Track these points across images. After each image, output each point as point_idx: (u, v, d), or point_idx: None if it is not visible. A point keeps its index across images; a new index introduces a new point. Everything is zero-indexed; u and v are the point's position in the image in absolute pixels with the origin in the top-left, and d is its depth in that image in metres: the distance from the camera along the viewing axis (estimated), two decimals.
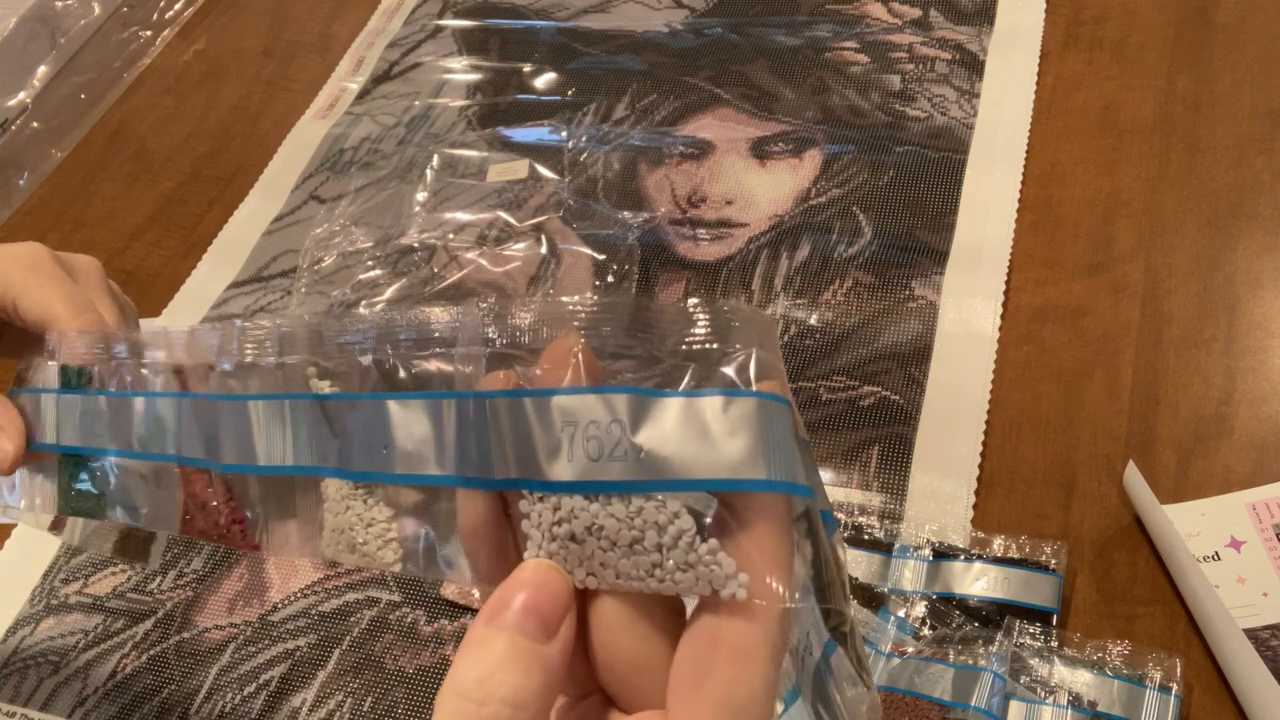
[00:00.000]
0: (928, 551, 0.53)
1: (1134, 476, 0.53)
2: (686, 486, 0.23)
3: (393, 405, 0.28)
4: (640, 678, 0.25)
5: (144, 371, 0.37)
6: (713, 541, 0.23)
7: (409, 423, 0.28)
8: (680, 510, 0.24)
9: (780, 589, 0.23)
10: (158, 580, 0.62)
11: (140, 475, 0.37)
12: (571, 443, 0.24)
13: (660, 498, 0.24)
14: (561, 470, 0.24)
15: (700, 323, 0.25)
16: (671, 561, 0.24)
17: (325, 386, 0.30)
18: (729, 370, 0.24)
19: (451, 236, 0.73)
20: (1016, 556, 0.52)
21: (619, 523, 0.24)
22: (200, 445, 0.34)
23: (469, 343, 0.27)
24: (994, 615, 0.51)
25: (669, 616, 0.25)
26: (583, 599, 0.26)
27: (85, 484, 0.39)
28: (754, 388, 0.24)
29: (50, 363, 0.41)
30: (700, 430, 0.23)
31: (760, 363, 0.24)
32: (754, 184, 0.73)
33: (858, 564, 0.54)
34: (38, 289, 0.43)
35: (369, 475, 0.29)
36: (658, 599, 0.25)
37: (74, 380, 0.40)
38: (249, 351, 0.33)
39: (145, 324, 0.48)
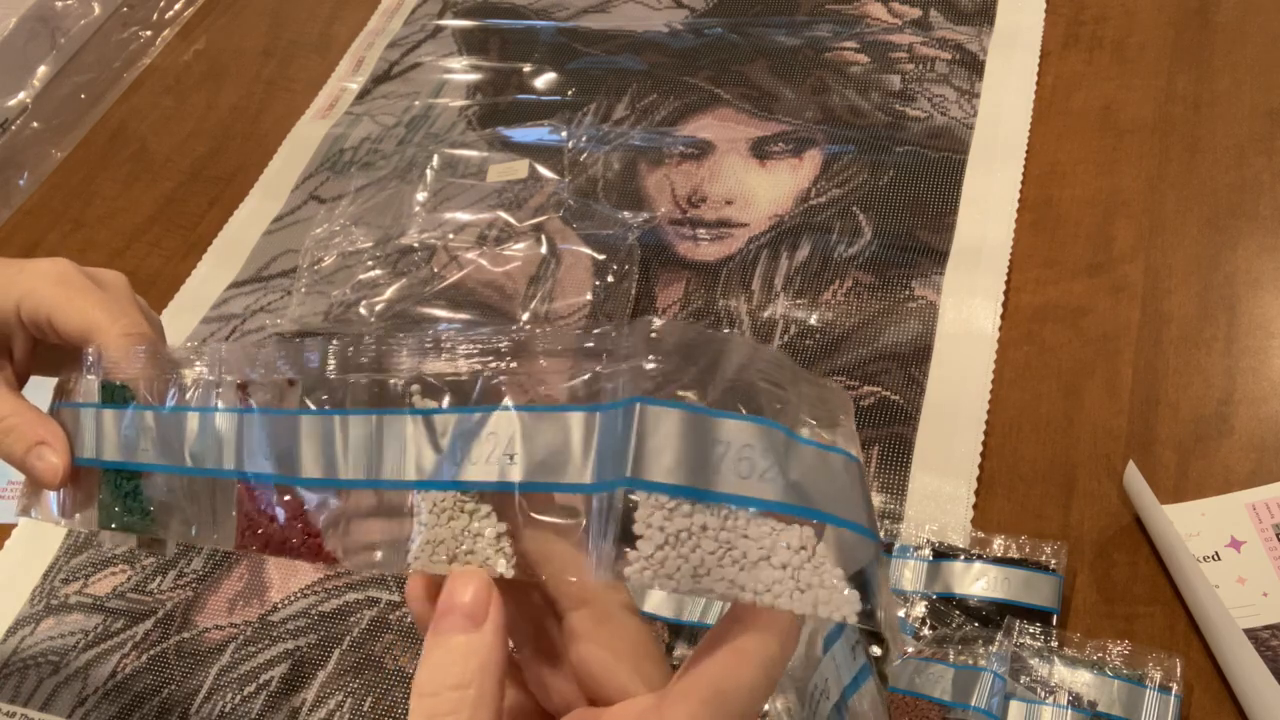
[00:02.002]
0: (928, 551, 0.53)
1: (1134, 476, 0.53)
2: (819, 516, 0.27)
3: (525, 416, 0.29)
4: (613, 678, 0.29)
5: (196, 386, 0.37)
6: (840, 569, 0.27)
7: (540, 433, 0.29)
8: (812, 537, 0.27)
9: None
10: (158, 580, 0.62)
11: (190, 490, 0.36)
12: (722, 460, 0.27)
13: (797, 523, 0.27)
14: (713, 482, 0.27)
15: (827, 393, 0.29)
16: (792, 581, 0.27)
17: (429, 403, 0.31)
18: (842, 437, 0.29)
19: (451, 236, 0.73)
20: (1016, 556, 0.52)
21: (749, 540, 0.27)
22: (270, 460, 0.34)
23: (628, 357, 0.29)
24: (994, 615, 0.51)
25: (633, 623, 0.30)
26: (551, 620, 0.31)
27: (128, 499, 0.38)
28: (858, 455, 0.29)
29: (90, 377, 0.40)
30: (829, 476, 0.28)
31: (853, 434, 0.29)
32: (754, 184, 0.73)
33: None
34: (70, 302, 0.42)
35: (485, 485, 0.30)
36: (629, 609, 0.30)
37: (116, 395, 0.39)
38: (332, 366, 0.33)
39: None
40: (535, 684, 0.32)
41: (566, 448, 0.29)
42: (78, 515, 0.40)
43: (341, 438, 0.32)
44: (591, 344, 0.30)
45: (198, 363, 0.37)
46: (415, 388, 0.31)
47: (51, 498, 0.42)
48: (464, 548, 0.30)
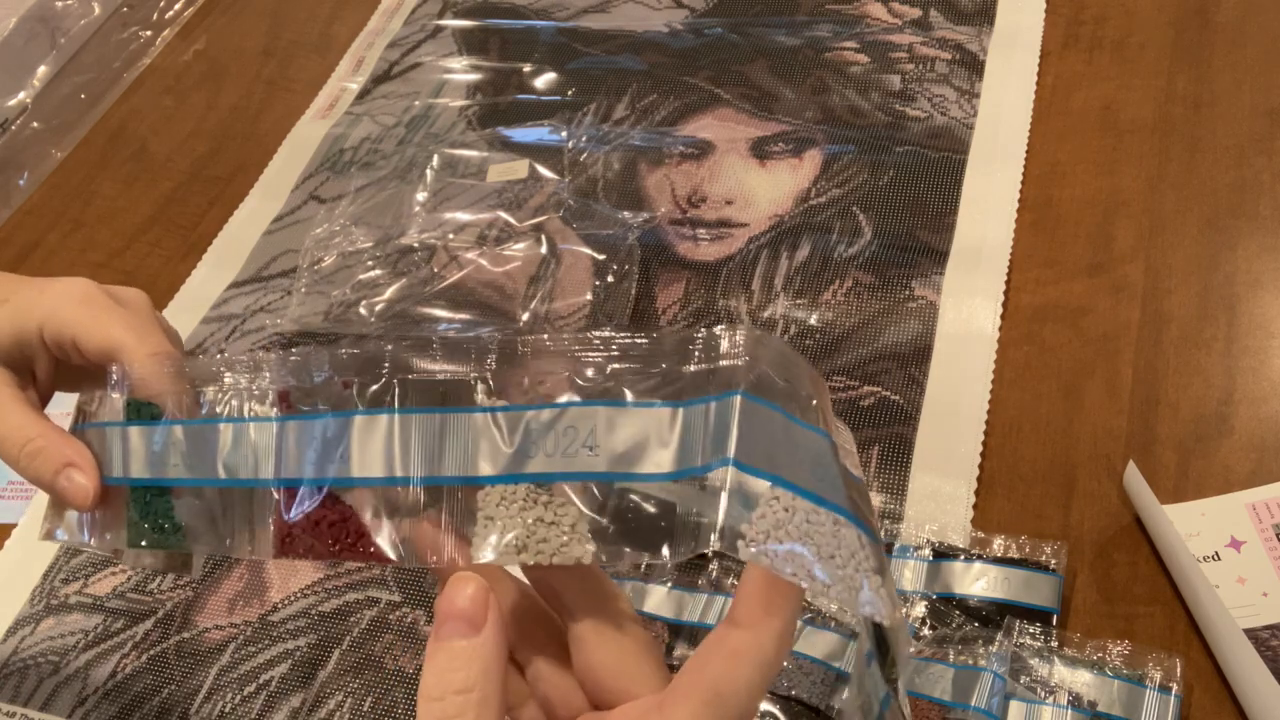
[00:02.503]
0: (928, 551, 0.53)
1: (1134, 476, 0.53)
2: (863, 528, 0.29)
3: (607, 410, 0.31)
4: (617, 682, 0.31)
5: (228, 398, 0.36)
6: (879, 576, 0.29)
7: (623, 426, 0.30)
8: (863, 542, 0.29)
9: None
10: (158, 580, 0.62)
11: (224, 503, 0.36)
12: (801, 463, 0.29)
13: (852, 528, 0.29)
14: (799, 479, 0.29)
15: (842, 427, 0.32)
16: (845, 580, 0.28)
17: (496, 400, 0.32)
18: (852, 463, 0.31)
19: (451, 236, 0.73)
20: (1016, 556, 0.52)
21: (823, 536, 0.29)
22: (320, 464, 0.34)
23: (732, 357, 0.30)
24: (994, 615, 0.51)
25: (635, 630, 0.31)
26: (555, 629, 0.32)
27: (158, 516, 0.38)
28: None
29: (114, 395, 0.40)
30: (861, 494, 0.31)
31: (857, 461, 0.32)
32: (754, 184, 0.73)
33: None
34: (95, 322, 0.42)
35: (566, 476, 0.31)
36: (630, 617, 0.31)
37: (142, 413, 0.39)
38: (388, 368, 0.33)
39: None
40: (543, 694, 0.33)
41: (647, 440, 0.30)
42: (107, 535, 0.40)
43: (401, 437, 0.33)
44: (666, 346, 0.31)
45: (228, 374, 0.37)
46: (481, 386, 0.32)
47: (75, 518, 0.41)
48: (538, 537, 0.31)
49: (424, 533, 0.32)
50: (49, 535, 0.42)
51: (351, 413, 0.34)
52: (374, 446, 0.33)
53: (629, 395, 0.31)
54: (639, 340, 0.31)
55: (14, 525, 0.66)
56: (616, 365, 0.31)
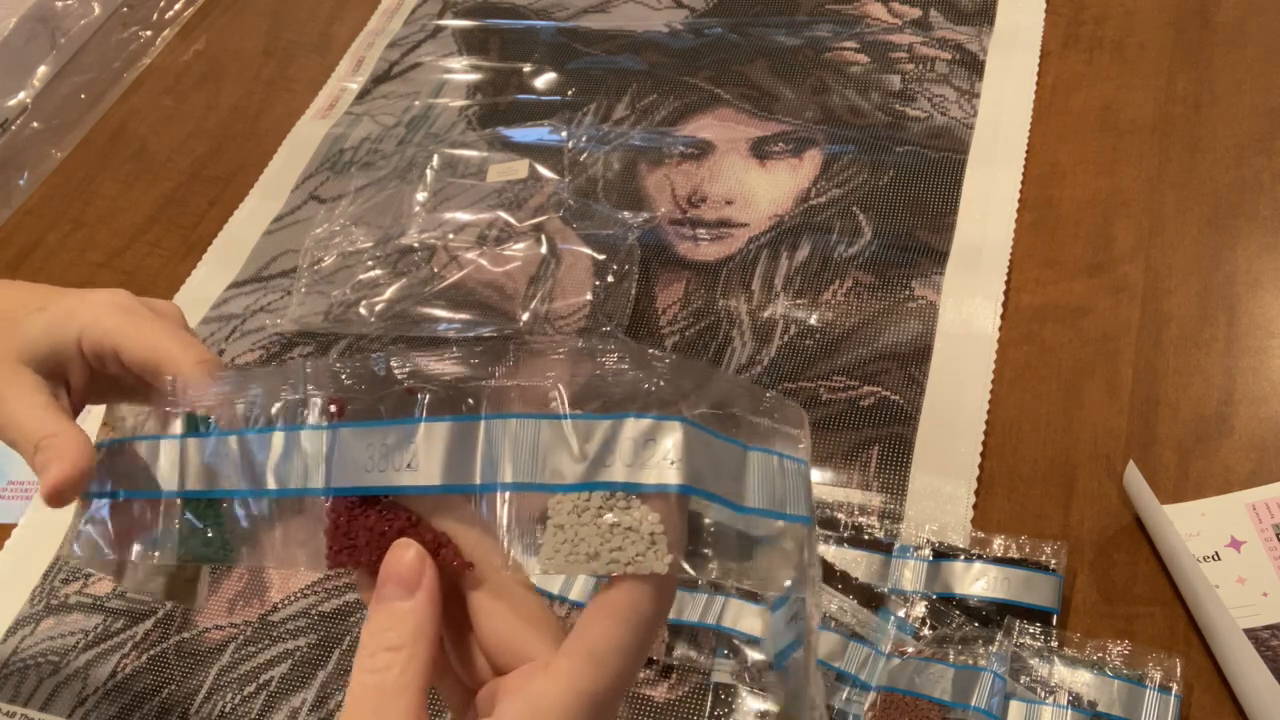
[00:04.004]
0: (928, 551, 0.53)
1: (1134, 476, 0.53)
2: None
3: (693, 430, 0.31)
4: (511, 647, 0.32)
5: (279, 407, 0.36)
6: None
7: (703, 449, 0.31)
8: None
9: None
10: None
11: (273, 513, 0.36)
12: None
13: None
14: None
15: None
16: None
17: (569, 409, 0.32)
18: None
19: (451, 236, 0.73)
20: (1016, 556, 0.52)
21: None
22: (373, 474, 0.33)
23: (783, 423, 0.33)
24: (994, 615, 0.51)
25: (528, 598, 0.33)
26: (465, 597, 0.33)
27: (208, 530, 0.37)
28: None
29: (168, 408, 0.39)
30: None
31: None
32: (754, 184, 0.73)
33: (858, 564, 0.54)
34: (139, 331, 0.41)
35: (642, 487, 0.31)
36: (522, 588, 0.33)
37: (200, 425, 0.38)
38: (452, 373, 0.33)
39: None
40: (457, 664, 0.35)
41: (722, 467, 0.31)
42: (156, 554, 0.39)
43: (467, 443, 0.32)
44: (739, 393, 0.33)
45: (280, 384, 0.36)
46: (555, 394, 0.32)
47: (104, 533, 0.40)
48: (610, 545, 0.30)
49: (488, 541, 0.33)
50: (88, 564, 0.41)
51: (416, 420, 0.33)
52: (438, 453, 0.33)
53: (716, 425, 0.32)
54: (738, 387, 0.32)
55: (14, 525, 0.66)
56: (709, 402, 0.32)
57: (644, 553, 0.30)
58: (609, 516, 0.31)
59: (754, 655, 0.51)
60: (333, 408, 0.35)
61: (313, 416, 0.35)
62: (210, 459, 0.37)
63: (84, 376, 0.44)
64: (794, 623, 0.33)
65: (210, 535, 0.37)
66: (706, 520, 0.31)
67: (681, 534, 0.30)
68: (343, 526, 0.34)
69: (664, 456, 0.30)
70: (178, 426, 0.39)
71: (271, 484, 0.35)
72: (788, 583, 0.32)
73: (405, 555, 0.32)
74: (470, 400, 0.33)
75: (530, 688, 0.30)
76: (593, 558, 0.31)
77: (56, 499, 0.39)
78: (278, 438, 0.36)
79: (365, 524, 0.34)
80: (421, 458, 0.33)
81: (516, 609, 0.33)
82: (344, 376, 0.35)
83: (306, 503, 0.35)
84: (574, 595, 0.55)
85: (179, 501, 0.38)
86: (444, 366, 0.34)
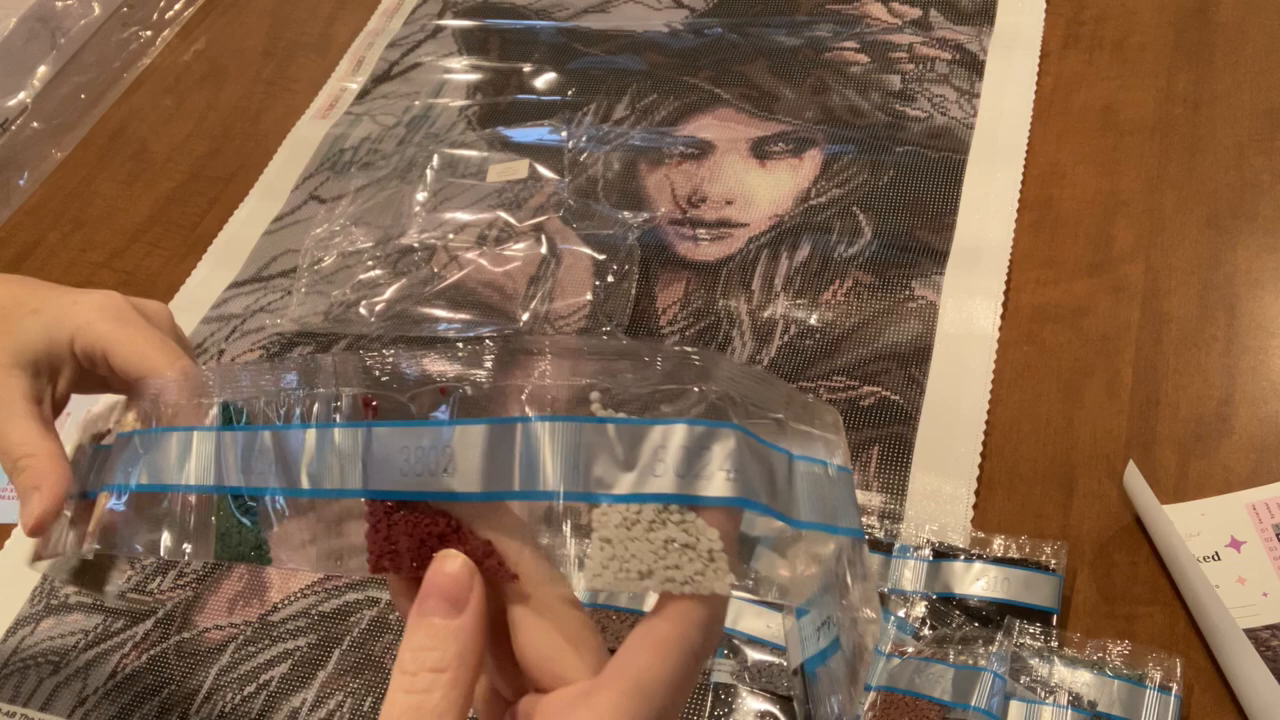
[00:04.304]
0: (928, 551, 0.53)
1: (1134, 476, 0.53)
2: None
3: (748, 439, 0.29)
4: (550, 666, 0.31)
5: (309, 403, 0.34)
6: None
7: (759, 459, 0.29)
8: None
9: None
10: (158, 580, 0.62)
11: (308, 515, 0.34)
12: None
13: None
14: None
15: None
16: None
17: (610, 412, 0.30)
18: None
19: (451, 236, 0.73)
20: (1016, 556, 0.52)
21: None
22: (411, 475, 0.32)
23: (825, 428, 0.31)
24: (994, 615, 0.51)
25: (572, 615, 0.31)
26: (505, 610, 0.31)
27: (246, 527, 0.36)
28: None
29: (204, 400, 0.38)
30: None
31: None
32: (754, 184, 0.73)
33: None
34: (129, 340, 0.43)
35: (704, 500, 0.28)
36: (568, 601, 0.31)
37: (235, 418, 0.37)
38: (486, 372, 0.31)
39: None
40: (494, 674, 0.33)
41: (774, 478, 0.29)
42: (187, 547, 0.37)
43: (505, 447, 0.30)
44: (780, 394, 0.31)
45: (302, 379, 0.35)
46: (595, 395, 0.30)
47: (125, 530, 0.39)
48: (666, 562, 0.28)
49: (529, 551, 0.31)
50: (126, 549, 0.39)
51: (451, 421, 0.31)
52: (475, 457, 0.31)
53: (760, 432, 0.29)
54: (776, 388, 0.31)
55: (14, 525, 0.66)
56: (752, 406, 0.30)
57: (702, 571, 0.28)
58: (663, 531, 0.28)
59: (754, 655, 0.51)
60: (364, 405, 0.33)
61: (345, 414, 0.33)
62: (244, 455, 0.36)
63: (73, 377, 0.45)
64: (825, 629, 0.31)
65: (246, 535, 0.36)
66: (752, 533, 0.29)
67: (736, 551, 0.29)
68: (383, 531, 0.32)
69: (719, 466, 0.28)
70: (214, 416, 0.37)
71: (305, 483, 0.34)
72: (816, 590, 0.30)
73: (451, 568, 0.30)
74: (506, 401, 0.31)
75: None
76: (645, 575, 0.28)
77: (39, 531, 0.41)
78: (310, 435, 0.34)
79: (405, 528, 0.32)
80: (458, 462, 0.31)
81: (558, 626, 0.31)
82: (376, 372, 0.33)
83: (344, 504, 0.33)
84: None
85: (214, 498, 0.36)
86: (472, 365, 0.32)
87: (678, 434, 0.29)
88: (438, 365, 0.32)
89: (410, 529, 0.32)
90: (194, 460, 0.37)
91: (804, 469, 0.30)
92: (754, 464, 0.29)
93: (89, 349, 0.43)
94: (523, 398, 0.31)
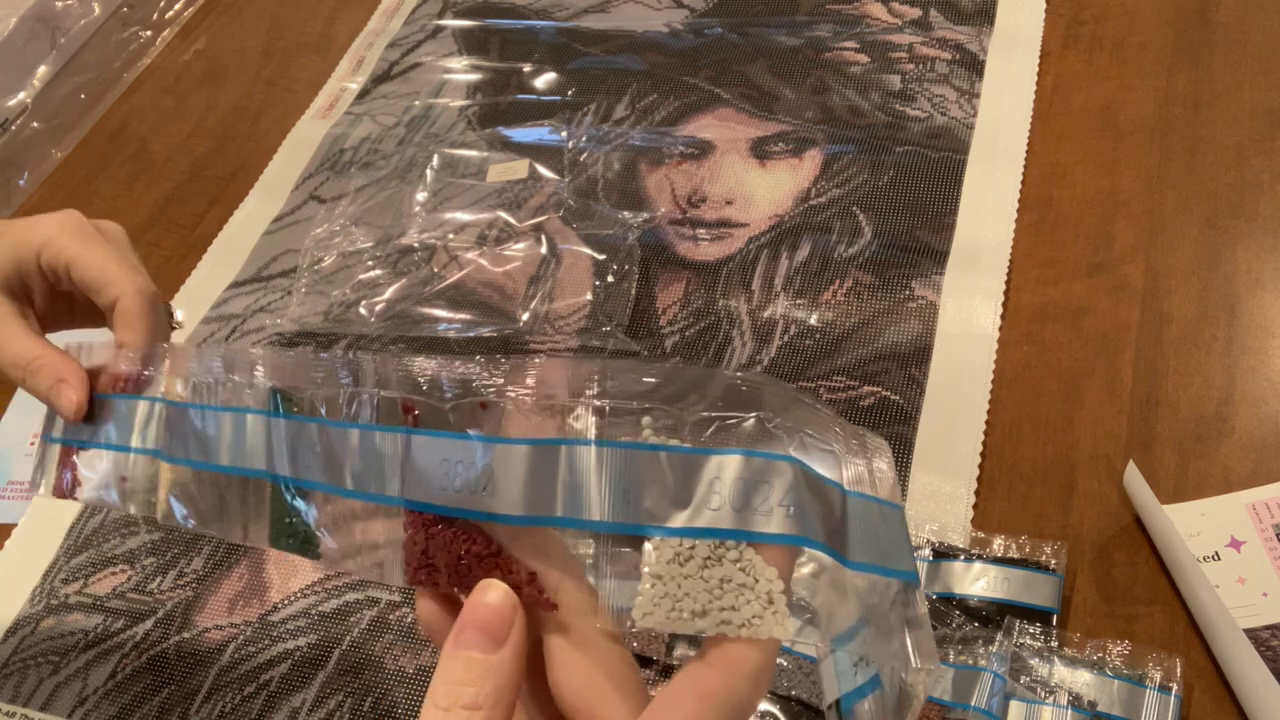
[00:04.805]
0: (928, 551, 0.53)
1: (1134, 476, 0.53)
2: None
3: (804, 472, 0.27)
4: (586, 704, 0.29)
5: (354, 400, 0.33)
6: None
7: (815, 493, 0.27)
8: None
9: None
10: (158, 580, 0.62)
11: (354, 516, 0.33)
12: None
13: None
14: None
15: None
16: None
17: (665, 440, 0.28)
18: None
19: (451, 236, 0.73)
20: (1016, 556, 0.52)
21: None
22: (448, 491, 0.30)
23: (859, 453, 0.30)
24: (994, 615, 0.51)
25: (611, 651, 0.30)
26: (542, 641, 0.30)
27: (293, 520, 0.35)
28: None
29: (258, 380, 0.37)
30: None
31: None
32: (754, 184, 0.73)
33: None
34: (90, 253, 0.45)
35: (764, 538, 0.27)
36: (606, 639, 0.29)
37: (287, 404, 0.35)
38: (530, 389, 0.30)
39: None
40: (526, 700, 0.32)
41: (831, 515, 0.28)
42: (250, 528, 0.36)
43: (549, 470, 0.29)
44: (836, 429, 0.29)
45: (344, 373, 0.34)
46: (647, 420, 0.28)
47: (186, 501, 0.38)
48: (721, 603, 0.27)
49: (571, 582, 0.29)
50: (183, 519, 0.38)
51: (492, 439, 0.30)
52: (516, 478, 0.29)
53: (817, 468, 0.28)
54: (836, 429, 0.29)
55: (14, 525, 0.66)
56: (807, 436, 0.28)
57: (760, 614, 0.26)
58: (719, 569, 0.27)
59: None
60: (404, 410, 0.32)
61: (386, 417, 0.32)
62: (293, 444, 0.34)
63: (46, 294, 0.48)
64: (863, 666, 0.30)
65: (298, 527, 0.35)
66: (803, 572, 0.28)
67: (792, 592, 0.27)
68: (420, 544, 0.31)
69: (777, 501, 0.27)
70: (265, 400, 0.36)
71: (349, 484, 0.32)
72: (853, 624, 0.28)
73: (493, 599, 0.29)
74: (549, 420, 0.29)
75: None
76: (699, 615, 0.27)
77: (80, 416, 0.43)
78: (355, 434, 0.32)
79: (443, 544, 0.30)
80: (498, 481, 0.29)
81: (598, 661, 0.29)
82: (418, 378, 0.32)
83: (383, 510, 0.32)
84: None
85: (266, 484, 0.35)
86: (515, 380, 0.30)
87: (734, 465, 0.27)
88: (481, 377, 0.31)
89: (448, 544, 0.30)
90: (248, 442, 0.36)
91: (856, 505, 0.29)
92: (812, 499, 0.27)
93: (53, 262, 0.46)
94: (570, 419, 0.29)
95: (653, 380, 0.29)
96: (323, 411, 0.34)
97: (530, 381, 0.30)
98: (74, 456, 0.44)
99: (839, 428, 0.29)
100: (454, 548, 0.30)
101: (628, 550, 0.28)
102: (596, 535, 0.28)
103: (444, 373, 0.31)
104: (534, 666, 0.31)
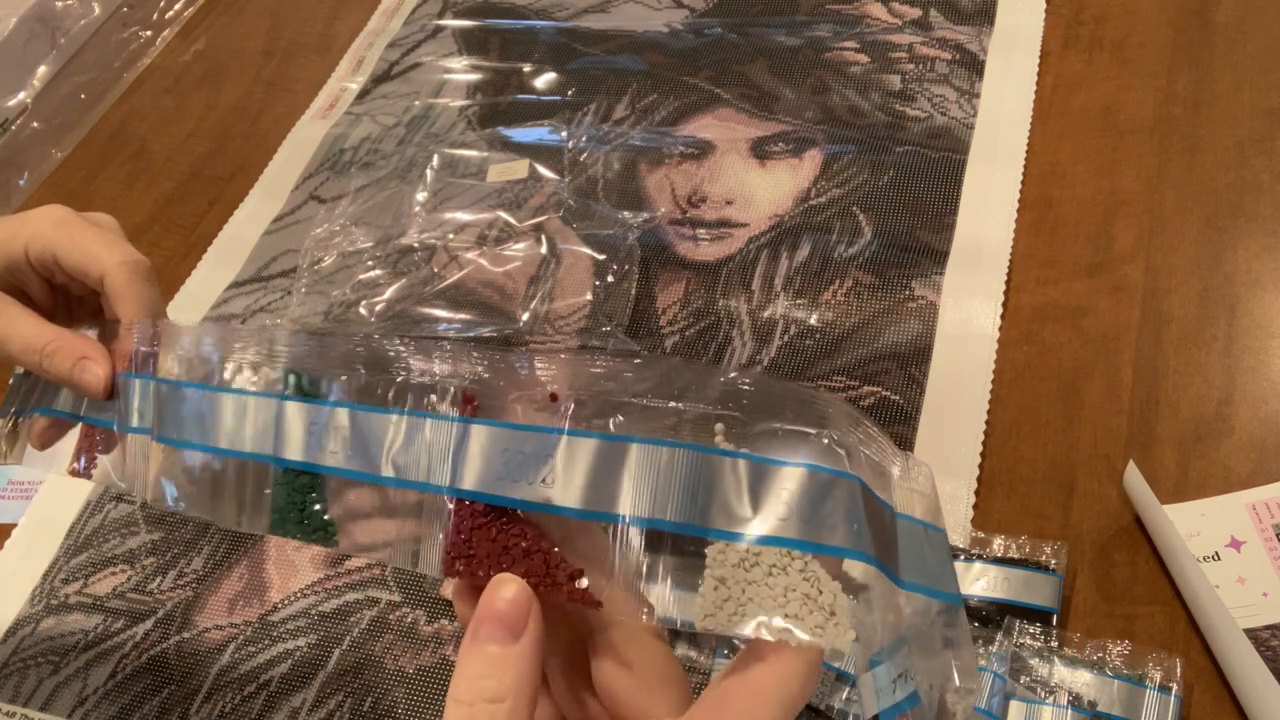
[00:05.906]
0: None
1: (1134, 476, 0.53)
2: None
3: (861, 490, 0.28)
4: (633, 702, 0.29)
5: (403, 389, 0.32)
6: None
7: (873, 507, 0.28)
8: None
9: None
10: (158, 580, 0.62)
11: (387, 505, 0.33)
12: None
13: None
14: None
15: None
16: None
17: (732, 446, 0.28)
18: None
19: (451, 236, 0.73)
20: (1016, 556, 0.52)
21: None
22: (504, 483, 0.30)
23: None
24: (994, 615, 0.51)
25: (657, 649, 0.30)
26: (584, 639, 0.30)
27: (305, 507, 0.34)
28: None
29: (273, 361, 0.36)
30: None
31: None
32: (754, 184, 0.73)
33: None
34: (72, 239, 0.46)
35: (833, 550, 0.27)
36: (653, 633, 0.30)
37: (303, 386, 0.35)
38: (603, 386, 0.30)
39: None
40: (563, 697, 0.32)
41: (885, 534, 0.28)
42: (244, 518, 0.36)
43: (614, 467, 0.29)
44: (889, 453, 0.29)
45: (406, 359, 0.33)
46: (720, 426, 0.28)
47: (181, 484, 0.38)
48: (786, 611, 0.27)
49: (620, 584, 0.29)
50: (172, 504, 0.38)
51: (559, 431, 0.29)
52: (579, 473, 0.29)
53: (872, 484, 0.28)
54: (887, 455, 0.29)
55: (14, 525, 0.66)
56: (866, 455, 0.28)
57: (823, 625, 0.27)
58: (783, 578, 0.27)
59: None
60: (464, 400, 0.31)
61: (443, 406, 0.31)
62: (318, 430, 0.33)
63: (43, 293, 0.48)
64: (902, 682, 0.29)
65: (308, 513, 0.34)
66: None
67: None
68: (464, 533, 0.30)
69: (842, 516, 0.27)
70: (273, 383, 0.35)
71: (389, 472, 0.32)
72: (893, 639, 0.28)
73: (508, 593, 0.29)
74: (620, 417, 0.29)
75: None
76: (763, 622, 0.27)
77: (108, 390, 0.43)
78: (401, 422, 0.32)
79: (488, 535, 0.30)
80: (560, 475, 0.29)
81: (643, 659, 0.30)
82: (480, 367, 0.32)
83: (425, 499, 0.31)
84: None
85: (270, 469, 0.35)
86: (579, 374, 0.30)
87: (802, 478, 0.27)
88: (549, 369, 0.31)
89: (493, 535, 0.30)
90: (249, 426, 0.35)
91: (904, 527, 0.29)
92: (871, 517, 0.28)
93: (41, 255, 0.46)
94: (640, 417, 0.29)
95: (724, 386, 0.29)
96: (353, 397, 0.33)
97: (599, 376, 0.30)
98: (96, 436, 0.44)
99: (890, 449, 0.30)
100: (499, 539, 0.30)
101: (680, 556, 0.28)
102: (649, 537, 0.28)
103: (511, 361, 0.31)
104: (572, 666, 0.32)
